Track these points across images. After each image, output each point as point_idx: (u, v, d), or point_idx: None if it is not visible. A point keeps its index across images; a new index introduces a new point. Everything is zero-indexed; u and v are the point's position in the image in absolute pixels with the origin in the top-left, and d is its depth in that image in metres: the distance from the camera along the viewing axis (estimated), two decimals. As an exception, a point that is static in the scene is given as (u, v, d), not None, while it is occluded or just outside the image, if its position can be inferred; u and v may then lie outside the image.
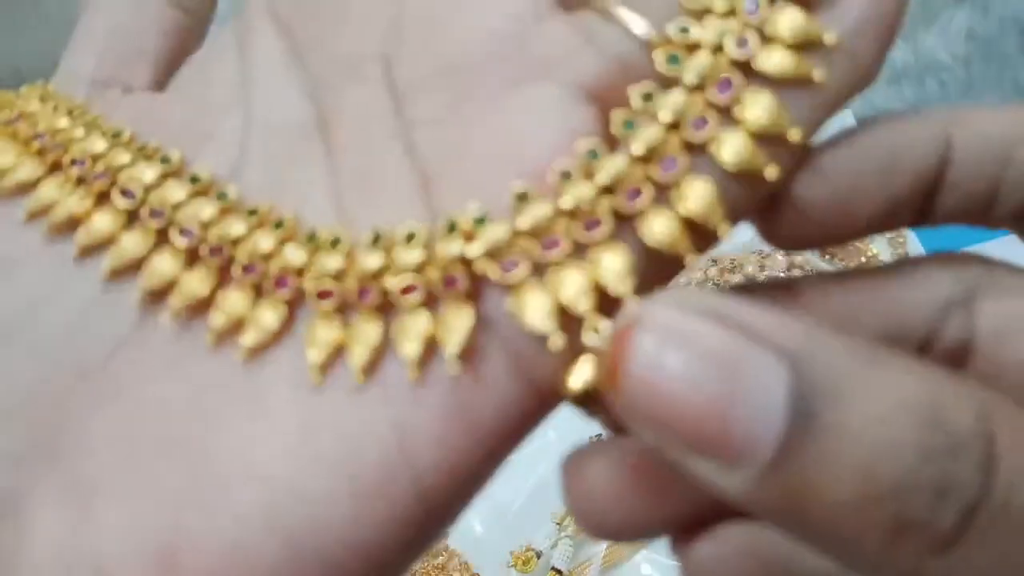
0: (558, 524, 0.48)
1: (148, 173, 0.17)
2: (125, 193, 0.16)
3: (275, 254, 0.15)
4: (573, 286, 0.14)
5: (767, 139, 0.15)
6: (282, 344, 0.15)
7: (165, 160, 0.17)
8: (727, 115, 0.15)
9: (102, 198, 0.17)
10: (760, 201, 0.16)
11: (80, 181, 0.17)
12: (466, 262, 0.14)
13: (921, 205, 0.17)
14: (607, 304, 0.14)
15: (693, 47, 0.15)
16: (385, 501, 0.14)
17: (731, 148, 0.15)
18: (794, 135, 0.15)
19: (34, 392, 0.15)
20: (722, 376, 0.12)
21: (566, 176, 0.14)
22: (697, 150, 0.15)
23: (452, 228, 0.14)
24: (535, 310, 0.14)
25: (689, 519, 0.16)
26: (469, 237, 0.14)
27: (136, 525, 0.14)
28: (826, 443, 0.11)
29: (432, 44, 0.17)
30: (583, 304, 0.14)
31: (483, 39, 0.16)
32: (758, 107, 0.15)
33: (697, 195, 0.14)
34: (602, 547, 0.46)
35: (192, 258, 0.16)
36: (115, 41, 0.20)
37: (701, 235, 0.15)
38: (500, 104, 0.16)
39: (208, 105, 0.18)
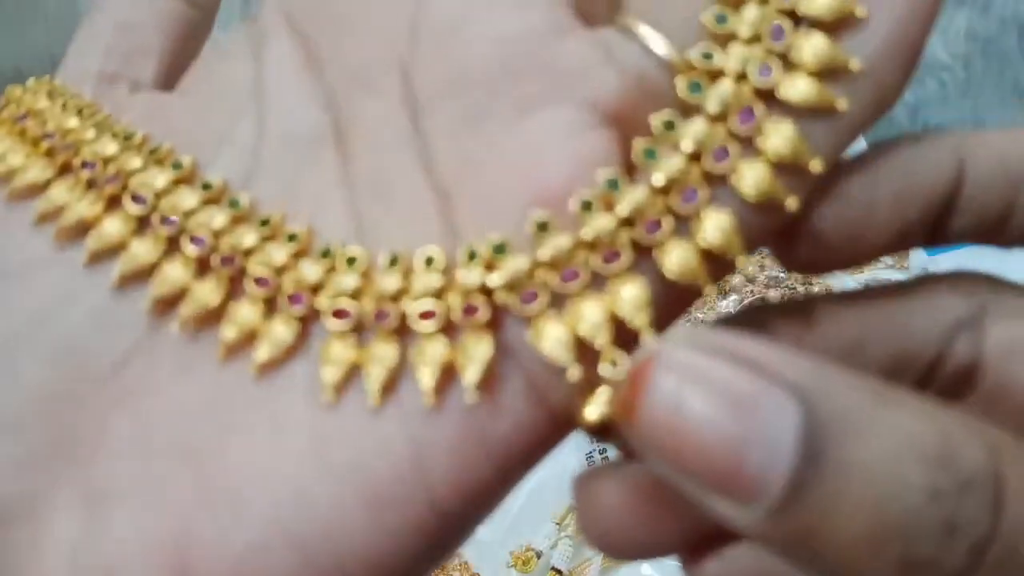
0: (558, 524, 0.48)
1: (160, 179, 0.16)
2: (136, 198, 0.16)
3: (288, 268, 0.15)
4: (591, 318, 0.14)
5: (787, 169, 0.15)
6: (296, 359, 0.15)
7: (177, 165, 0.17)
8: (748, 145, 0.15)
9: (113, 202, 0.17)
10: (776, 228, 0.16)
11: (90, 184, 0.17)
12: (486, 291, 0.14)
13: (934, 225, 0.17)
14: (624, 334, 0.14)
15: (716, 74, 0.15)
16: (398, 514, 0.14)
17: (751, 179, 0.15)
18: (815, 166, 0.15)
19: (48, 397, 0.15)
20: (736, 416, 0.12)
21: (586, 206, 0.14)
22: (717, 180, 0.15)
23: (472, 256, 0.15)
24: (553, 341, 0.14)
25: (698, 539, 0.16)
26: (489, 266, 0.14)
27: (148, 532, 0.14)
28: (835, 482, 0.11)
29: (450, 54, 0.17)
30: (601, 337, 0.14)
31: (502, 52, 0.16)
32: (779, 137, 0.15)
33: (717, 227, 0.14)
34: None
35: (203, 267, 0.16)
36: (121, 36, 0.20)
37: (719, 265, 0.15)
38: (518, 124, 0.16)
39: (220, 110, 0.18)
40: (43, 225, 0.17)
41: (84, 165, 0.17)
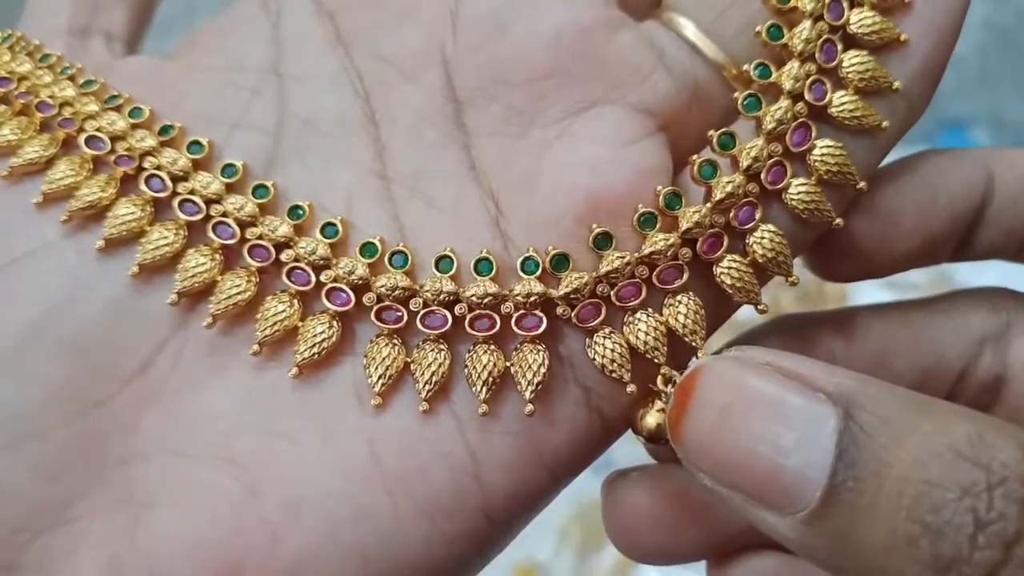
0: (560, 535, 0.47)
1: (180, 161, 0.15)
2: (150, 180, 0.15)
3: (328, 263, 0.15)
4: (648, 333, 0.14)
5: (831, 184, 0.15)
6: (338, 361, 0.15)
7: (196, 146, 0.15)
8: (799, 160, 0.15)
9: (124, 183, 0.15)
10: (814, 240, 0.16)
11: (96, 162, 0.15)
12: (545, 302, 0.14)
13: (961, 240, 0.17)
14: (676, 345, 0.15)
15: (769, 88, 0.15)
16: (456, 523, 0.14)
17: (803, 197, 0.15)
18: (862, 187, 0.15)
19: (70, 398, 0.14)
20: (778, 426, 0.12)
21: (647, 221, 0.15)
22: (771, 195, 0.15)
23: (530, 265, 0.15)
24: (611, 353, 0.14)
25: (726, 545, 0.17)
26: (547, 276, 0.15)
27: (195, 536, 0.14)
28: (871, 485, 0.12)
29: (493, 48, 0.16)
30: (656, 353, 0.14)
31: (549, 49, 0.16)
32: (830, 156, 0.15)
33: (770, 243, 0.15)
34: (605, 559, 0.45)
35: (229, 258, 0.15)
36: None
37: (767, 277, 0.15)
38: (568, 127, 0.15)
39: (234, 87, 0.16)
40: (47, 207, 0.15)
41: (88, 141, 0.16)
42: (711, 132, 0.15)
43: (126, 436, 0.14)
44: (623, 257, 0.14)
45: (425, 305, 0.14)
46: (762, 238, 0.15)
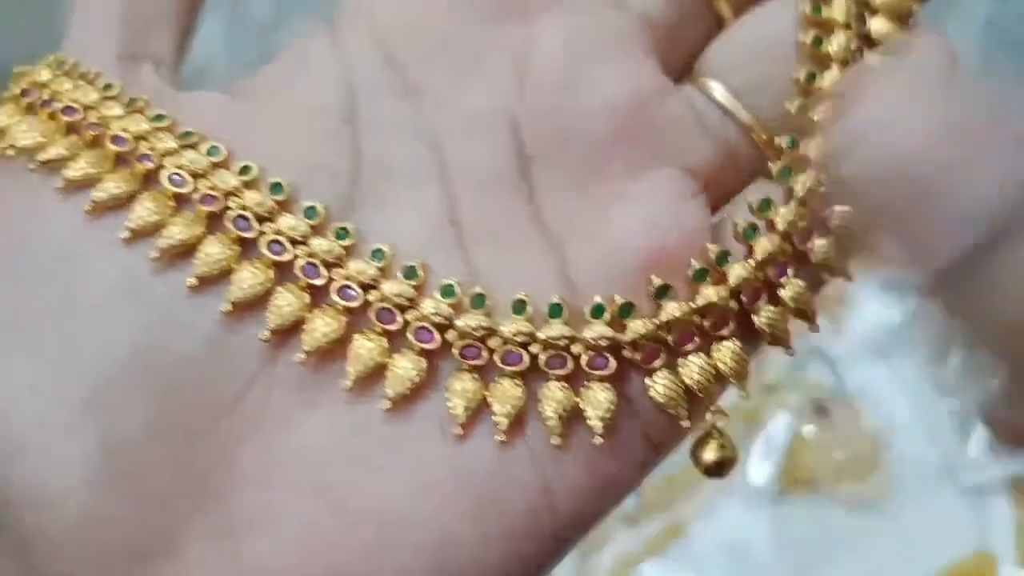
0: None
1: (267, 202, 0.16)
2: (237, 220, 0.16)
3: (413, 303, 0.16)
4: (700, 374, 0.16)
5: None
6: (425, 395, 0.16)
7: (277, 187, 0.16)
8: (823, 224, 0.17)
9: (212, 221, 0.16)
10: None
11: (178, 199, 0.16)
12: (613, 346, 0.16)
13: None
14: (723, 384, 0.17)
15: (800, 159, 0.17)
16: (531, 545, 0.16)
17: (824, 253, 0.17)
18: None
19: (166, 434, 0.15)
20: None
21: (700, 275, 0.16)
22: (801, 255, 0.17)
23: (600, 312, 0.16)
24: (668, 392, 0.16)
25: None
26: (615, 323, 0.16)
27: (292, 567, 0.15)
28: None
29: (559, 110, 0.17)
30: (707, 391, 0.16)
31: (610, 113, 0.17)
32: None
33: (801, 296, 0.17)
34: (605, 559, 0.45)
35: (316, 296, 0.16)
36: (131, 6, 0.18)
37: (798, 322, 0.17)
38: (628, 186, 0.17)
39: (309, 131, 0.17)
40: (132, 243, 0.15)
41: (172, 179, 0.16)
42: (750, 200, 0.17)
43: (222, 470, 0.15)
44: (682, 307, 0.16)
45: (503, 344, 0.16)
46: (791, 290, 0.17)
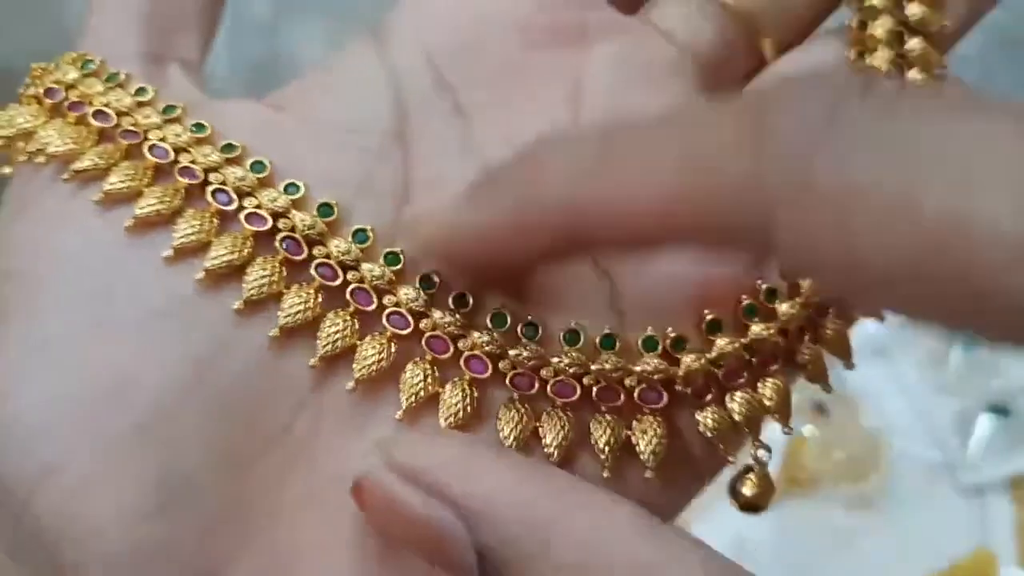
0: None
1: (317, 224, 0.15)
2: (288, 244, 0.15)
3: (465, 333, 0.16)
4: (748, 410, 0.16)
5: None
6: (471, 426, 0.15)
7: (326, 208, 0.16)
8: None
9: (259, 241, 0.15)
10: None
11: (220, 215, 0.15)
12: (666, 380, 0.16)
13: None
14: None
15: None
16: None
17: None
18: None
19: (220, 457, 0.14)
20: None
21: (750, 310, 0.16)
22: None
23: (652, 345, 0.16)
24: (719, 426, 0.16)
25: None
26: (666, 355, 0.16)
27: None
28: None
29: None
30: (752, 427, 0.16)
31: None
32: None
33: (841, 335, 0.17)
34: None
35: (365, 323, 0.15)
36: (155, 4, 0.17)
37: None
38: None
39: (358, 149, 0.16)
40: (176, 261, 0.15)
41: (216, 195, 0.15)
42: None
43: (271, 496, 0.15)
44: (733, 343, 0.16)
45: (555, 375, 0.16)
46: (835, 329, 0.17)
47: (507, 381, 0.16)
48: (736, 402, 0.16)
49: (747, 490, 0.17)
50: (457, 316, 0.16)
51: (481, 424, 0.15)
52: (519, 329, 0.16)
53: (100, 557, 0.14)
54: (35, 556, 0.14)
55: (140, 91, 0.16)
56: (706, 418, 0.16)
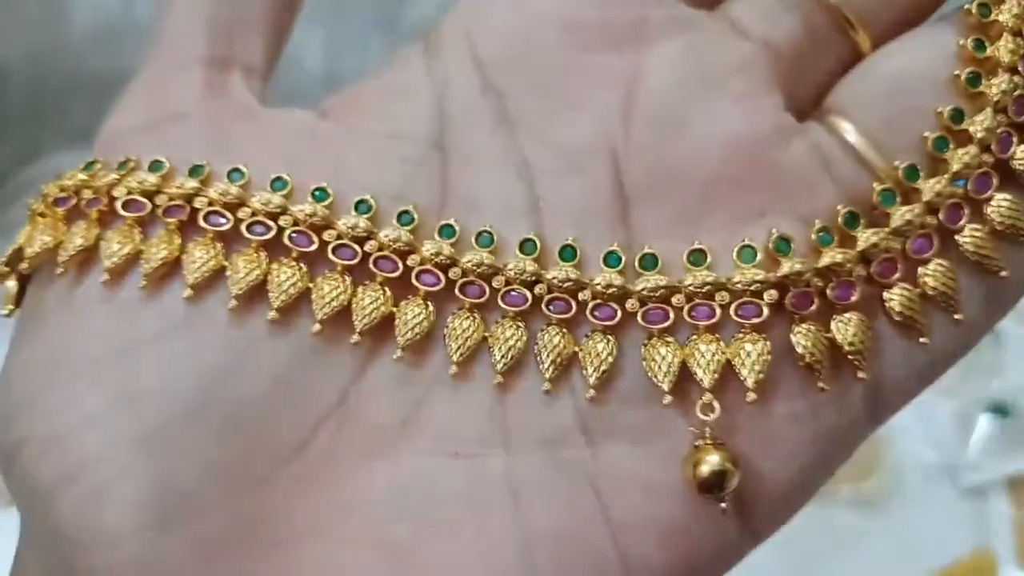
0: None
1: (360, 223, 0.16)
2: (341, 251, 0.16)
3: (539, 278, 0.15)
4: (941, 284, 0.15)
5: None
6: (488, 448, 0.15)
7: (363, 204, 0.16)
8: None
9: (308, 260, 0.16)
10: None
11: (305, 258, 0.16)
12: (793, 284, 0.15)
13: None
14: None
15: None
16: None
17: (974, 244, 0.16)
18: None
19: (231, 474, 0.14)
20: None
21: (888, 199, 0.16)
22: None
23: (750, 257, 0.16)
24: (908, 304, 0.15)
25: None
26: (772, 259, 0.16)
27: None
28: None
29: (667, 148, 0.16)
30: (859, 356, 0.15)
31: (725, 154, 0.16)
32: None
33: (1008, 210, 0.16)
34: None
35: (398, 289, 0.16)
36: (222, 8, 0.17)
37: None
38: (733, 234, 0.15)
39: (398, 158, 0.16)
40: (196, 300, 0.15)
41: (262, 223, 0.16)
42: (941, 108, 0.16)
43: (281, 517, 0.14)
44: (879, 233, 0.15)
45: (688, 300, 0.15)
46: (999, 206, 0.16)
47: (587, 313, 0.15)
48: (927, 275, 0.15)
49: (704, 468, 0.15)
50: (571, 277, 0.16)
51: (492, 451, 0.15)
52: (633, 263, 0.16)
53: (107, 567, 0.14)
54: (55, 558, 0.14)
55: (155, 164, 0.16)
56: (892, 298, 0.15)
